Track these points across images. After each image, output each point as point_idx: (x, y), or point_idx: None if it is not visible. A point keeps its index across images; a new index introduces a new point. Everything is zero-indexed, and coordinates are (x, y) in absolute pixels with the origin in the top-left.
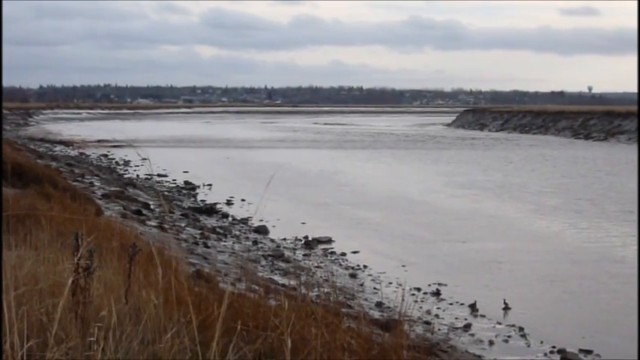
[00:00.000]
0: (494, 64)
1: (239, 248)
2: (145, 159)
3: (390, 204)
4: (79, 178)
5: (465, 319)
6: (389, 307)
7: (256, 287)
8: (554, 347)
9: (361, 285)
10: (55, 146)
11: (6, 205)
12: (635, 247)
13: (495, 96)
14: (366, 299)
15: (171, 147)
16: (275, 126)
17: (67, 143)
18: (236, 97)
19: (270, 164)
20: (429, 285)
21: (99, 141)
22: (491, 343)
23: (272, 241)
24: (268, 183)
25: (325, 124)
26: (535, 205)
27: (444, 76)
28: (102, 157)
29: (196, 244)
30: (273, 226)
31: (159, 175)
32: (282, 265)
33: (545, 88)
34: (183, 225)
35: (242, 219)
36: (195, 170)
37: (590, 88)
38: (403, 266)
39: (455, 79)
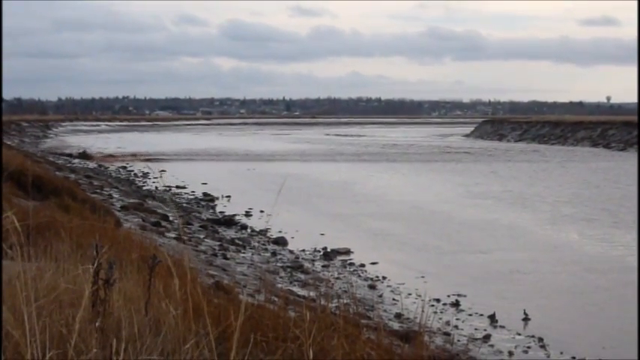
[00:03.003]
0: (513, 75)
1: (258, 259)
2: (163, 171)
3: (407, 215)
4: (98, 190)
5: (485, 330)
6: (408, 318)
7: (275, 298)
8: (573, 358)
9: (380, 296)
10: (74, 158)
11: (26, 216)
12: None
13: (514, 106)
14: (385, 310)
15: (189, 160)
16: (293, 137)
17: (88, 157)
18: (254, 108)
19: (288, 176)
20: (448, 296)
21: (112, 155)
22: (510, 353)
23: (291, 252)
24: (279, 191)
25: (343, 135)
26: (552, 215)
27: (463, 87)
28: (120, 169)
29: (215, 255)
30: (292, 238)
31: (177, 187)
32: (301, 276)
33: (563, 98)
34: (202, 236)
35: (261, 230)
36: (213, 182)
37: (608, 98)
38: (422, 277)
39: (474, 90)
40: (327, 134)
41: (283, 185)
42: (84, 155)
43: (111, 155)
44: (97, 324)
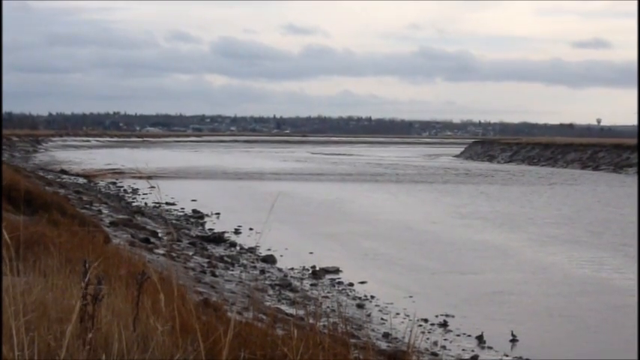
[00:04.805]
0: (505, 96)
1: (246, 277)
2: (152, 187)
3: (396, 234)
4: (87, 206)
5: (472, 351)
6: (396, 338)
7: (263, 316)
8: None
9: (369, 315)
10: (64, 174)
11: (15, 231)
12: (634, 277)
13: (504, 127)
14: (373, 330)
15: (179, 176)
16: (283, 156)
17: (79, 174)
18: (245, 126)
19: (278, 194)
20: (436, 316)
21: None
22: None
23: (279, 270)
24: (271, 210)
25: (334, 154)
26: (539, 236)
27: (454, 108)
28: (110, 185)
29: (204, 272)
30: (281, 256)
31: (167, 204)
32: (290, 294)
33: (554, 120)
34: (190, 253)
35: (250, 248)
36: (203, 199)
37: (599, 121)
38: (410, 297)
39: (465, 111)
40: (318, 153)
41: (274, 203)
42: (71, 171)
43: (100, 171)
44: (90, 336)
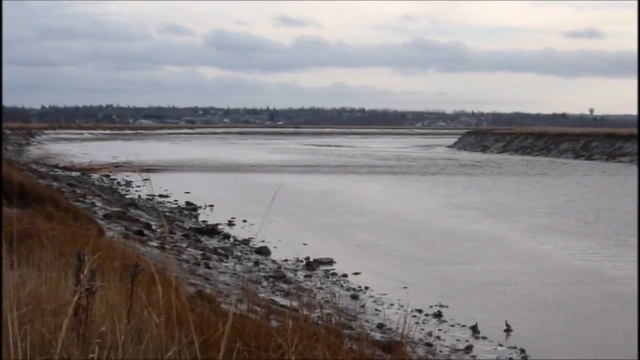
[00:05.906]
0: (497, 86)
1: (240, 269)
2: (146, 179)
3: (390, 225)
4: (81, 199)
5: (467, 341)
6: (390, 329)
7: (258, 308)
8: None
9: (362, 306)
10: (58, 167)
11: (9, 225)
12: (631, 266)
13: (497, 118)
14: (367, 320)
15: (172, 169)
16: (276, 147)
17: (71, 169)
18: (238, 118)
19: (271, 186)
20: (431, 306)
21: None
22: None
23: (273, 262)
24: (270, 204)
25: (326, 145)
26: (532, 226)
27: (447, 98)
28: (103, 178)
29: (198, 264)
30: (275, 247)
31: (160, 196)
32: (284, 286)
33: (547, 110)
34: (184, 246)
35: (243, 240)
36: (196, 191)
37: (591, 111)
38: (404, 287)
39: (457, 101)
40: (311, 144)
41: (275, 196)
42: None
43: (93, 164)
44: (80, 332)
